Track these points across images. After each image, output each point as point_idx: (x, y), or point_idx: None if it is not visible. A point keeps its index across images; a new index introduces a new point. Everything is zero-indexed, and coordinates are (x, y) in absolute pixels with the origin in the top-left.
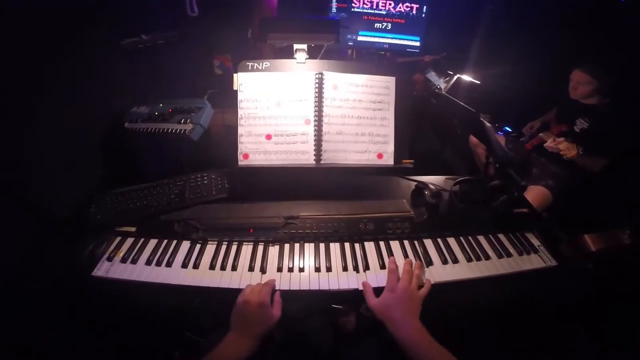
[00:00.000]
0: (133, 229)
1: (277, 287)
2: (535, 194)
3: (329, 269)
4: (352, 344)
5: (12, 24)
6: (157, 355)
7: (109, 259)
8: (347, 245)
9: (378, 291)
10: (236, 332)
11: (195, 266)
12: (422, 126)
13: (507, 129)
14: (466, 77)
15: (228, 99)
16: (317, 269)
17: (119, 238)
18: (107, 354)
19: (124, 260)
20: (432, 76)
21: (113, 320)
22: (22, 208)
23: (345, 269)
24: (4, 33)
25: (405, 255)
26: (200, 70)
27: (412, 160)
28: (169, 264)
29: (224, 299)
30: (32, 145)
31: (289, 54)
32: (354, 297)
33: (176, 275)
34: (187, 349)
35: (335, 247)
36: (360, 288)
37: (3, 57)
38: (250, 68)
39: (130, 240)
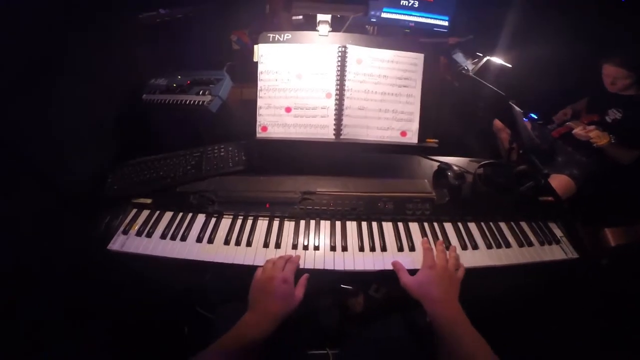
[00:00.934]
0: (149, 201)
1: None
2: (557, 182)
3: (344, 249)
4: (358, 326)
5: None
6: (167, 330)
7: (125, 232)
8: (364, 224)
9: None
10: (255, 312)
11: (210, 241)
12: (443, 108)
13: (533, 115)
14: (496, 60)
15: (246, 73)
16: (333, 248)
17: (135, 210)
18: (115, 329)
19: (139, 233)
20: (459, 57)
21: (125, 295)
22: (39, 181)
23: (361, 249)
24: (24, 8)
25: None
26: (218, 45)
27: (437, 140)
28: (183, 238)
29: (236, 275)
30: (50, 119)
31: (307, 30)
32: (363, 279)
33: (190, 250)
34: (197, 325)
35: (352, 225)
36: (376, 269)
37: (22, 33)
38: (271, 39)
39: (146, 213)
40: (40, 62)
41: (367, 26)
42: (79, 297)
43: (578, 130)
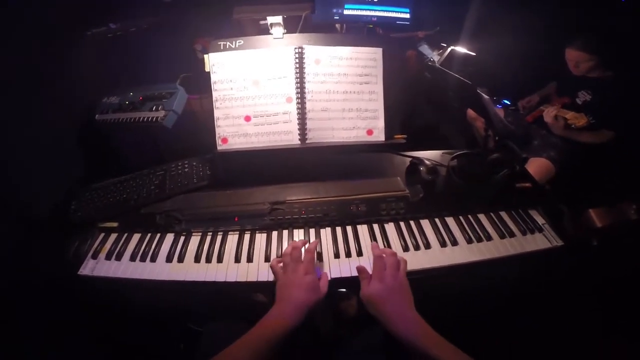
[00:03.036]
0: (115, 224)
1: (264, 279)
2: (536, 166)
3: (319, 257)
4: (353, 330)
5: None
6: (163, 349)
7: (94, 256)
8: (338, 229)
9: None
10: (281, 304)
11: (180, 259)
12: (417, 101)
13: (506, 101)
14: (460, 49)
15: (204, 82)
16: None
17: (102, 234)
18: (111, 355)
19: (108, 257)
20: (425, 49)
21: (112, 319)
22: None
23: (337, 255)
24: None
25: (402, 238)
26: (181, 55)
27: (404, 135)
28: (153, 259)
29: (215, 290)
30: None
31: None
32: (354, 281)
33: (161, 270)
34: (192, 341)
35: (325, 232)
36: (353, 275)
37: None
38: (222, 47)
39: (113, 236)
40: None
41: (336, 25)
42: (58, 324)
43: (554, 112)
